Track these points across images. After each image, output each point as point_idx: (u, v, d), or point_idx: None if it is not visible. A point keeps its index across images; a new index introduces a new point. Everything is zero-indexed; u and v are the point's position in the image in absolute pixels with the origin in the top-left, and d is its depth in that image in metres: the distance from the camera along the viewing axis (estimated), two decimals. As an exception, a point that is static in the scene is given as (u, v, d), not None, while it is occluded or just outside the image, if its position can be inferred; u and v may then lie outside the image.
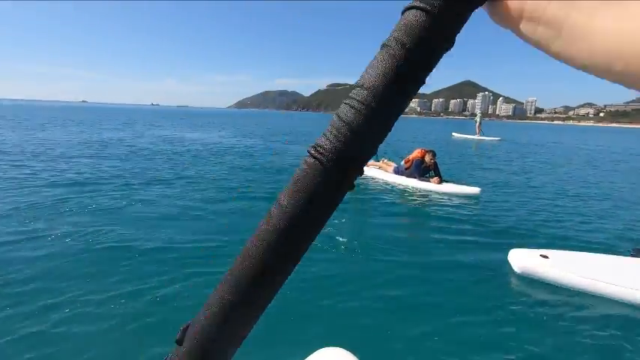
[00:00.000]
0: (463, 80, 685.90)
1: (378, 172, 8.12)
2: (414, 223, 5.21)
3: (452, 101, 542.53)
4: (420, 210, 5.72)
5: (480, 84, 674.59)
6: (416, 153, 7.23)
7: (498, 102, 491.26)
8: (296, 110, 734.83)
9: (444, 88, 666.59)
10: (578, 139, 31.24)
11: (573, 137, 35.98)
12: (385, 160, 8.42)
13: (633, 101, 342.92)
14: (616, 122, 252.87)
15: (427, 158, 7.05)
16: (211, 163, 9.04)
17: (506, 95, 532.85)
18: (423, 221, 5.20)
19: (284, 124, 41.00)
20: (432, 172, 7.06)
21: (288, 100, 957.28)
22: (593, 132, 65.19)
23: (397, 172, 7.58)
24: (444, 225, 4.78)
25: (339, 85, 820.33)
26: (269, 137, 19.02)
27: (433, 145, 16.41)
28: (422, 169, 7.08)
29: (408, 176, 7.23)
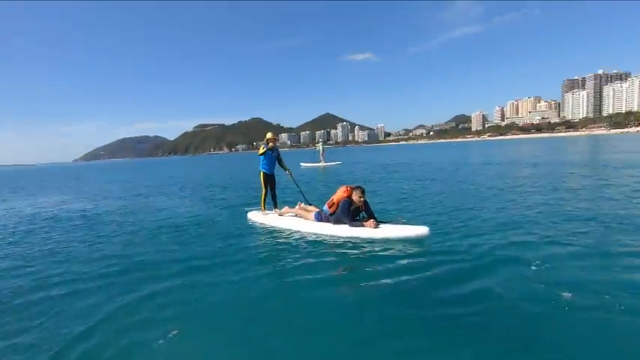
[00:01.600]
0: (323, 113, 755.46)
1: (294, 220, 6.62)
2: (352, 288, 3.94)
3: (317, 132, 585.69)
4: (359, 267, 4.56)
5: (338, 115, 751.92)
6: (340, 192, 5.87)
7: (355, 130, 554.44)
8: (161, 156, 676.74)
9: (309, 122, 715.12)
10: (395, 153, 46.60)
11: (396, 152, 48.41)
12: (302, 205, 7.06)
13: (450, 120, 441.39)
14: (442, 138, 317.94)
15: (355, 197, 5.72)
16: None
17: (360, 124, 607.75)
18: (364, 284, 3.96)
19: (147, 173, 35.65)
20: (363, 214, 5.88)
21: (151, 146, 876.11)
22: (424, 147, 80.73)
23: (320, 218, 6.22)
24: (392, 286, 3.77)
25: (206, 125, 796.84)
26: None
27: (283, 178, 15.71)
28: (352, 211, 5.76)
29: (335, 222, 5.87)
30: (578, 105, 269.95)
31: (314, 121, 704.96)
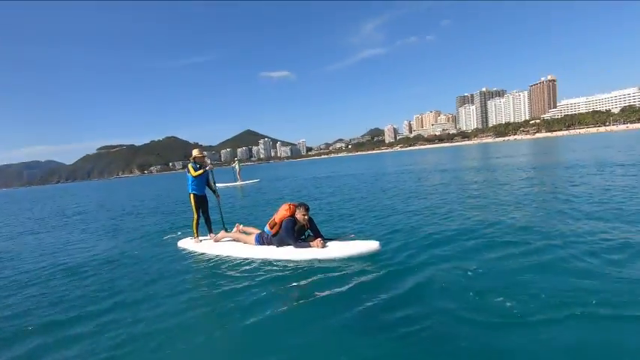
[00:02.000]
0: (244, 130, 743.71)
1: (233, 246, 5.85)
2: (301, 314, 3.54)
3: (239, 150, 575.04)
4: (307, 291, 4.05)
5: (259, 132, 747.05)
6: (282, 211, 5.20)
7: (277, 145, 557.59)
8: (57, 183, 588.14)
9: (229, 139, 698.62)
10: (318, 167, 47.75)
11: (319, 166, 49.62)
12: (241, 227, 6.33)
13: (366, 134, 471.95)
14: (360, 151, 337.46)
15: (299, 215, 5.12)
16: None
17: (282, 139, 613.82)
18: (315, 309, 3.59)
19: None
20: (308, 232, 5.29)
21: (43, 172, 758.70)
22: (345, 159, 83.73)
23: (261, 241, 5.55)
24: (344, 308, 3.47)
25: (112, 147, 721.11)
26: None
27: (186, 205, 14.20)
28: (296, 231, 5.18)
29: (278, 244, 5.27)
30: (469, 118, 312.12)
31: (234, 138, 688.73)
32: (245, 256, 5.42)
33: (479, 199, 9.21)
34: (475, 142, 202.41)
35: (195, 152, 6.56)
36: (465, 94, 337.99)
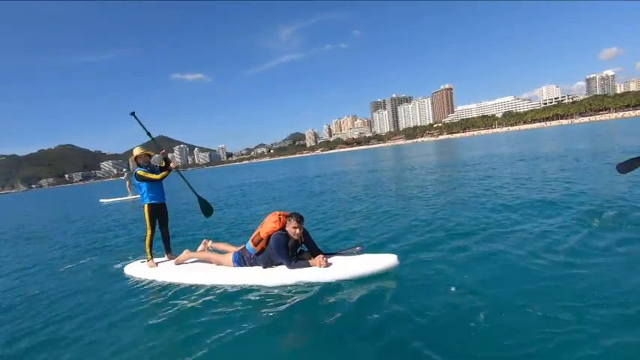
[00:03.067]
0: (157, 136, 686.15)
1: (202, 269, 4.59)
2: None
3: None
4: (312, 329, 3.15)
5: (174, 138, 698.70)
6: (270, 223, 4.05)
7: (195, 152, 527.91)
8: None
9: (139, 146, 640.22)
10: (240, 173, 45.78)
11: (241, 172, 49.07)
12: (210, 243, 5.06)
13: (287, 138, 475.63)
14: (282, 155, 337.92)
15: (290, 227, 3.97)
16: None
17: (200, 145, 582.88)
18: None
19: None
20: (303, 247, 4.19)
21: None
22: (268, 164, 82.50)
23: (242, 261, 4.35)
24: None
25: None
26: None
27: (77, 224, 12.18)
28: (290, 247, 4.04)
29: (265, 265, 4.17)
30: (383, 122, 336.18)
31: (145, 145, 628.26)
32: (220, 282, 4.17)
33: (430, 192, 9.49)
34: (389, 144, 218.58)
35: (136, 151, 5.14)
36: (378, 100, 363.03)
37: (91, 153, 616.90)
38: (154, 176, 5.00)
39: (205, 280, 4.30)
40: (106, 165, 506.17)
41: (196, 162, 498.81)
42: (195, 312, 3.62)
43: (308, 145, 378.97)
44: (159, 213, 5.26)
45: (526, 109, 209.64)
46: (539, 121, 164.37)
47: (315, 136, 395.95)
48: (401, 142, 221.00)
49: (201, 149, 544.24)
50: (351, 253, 4.14)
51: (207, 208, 5.78)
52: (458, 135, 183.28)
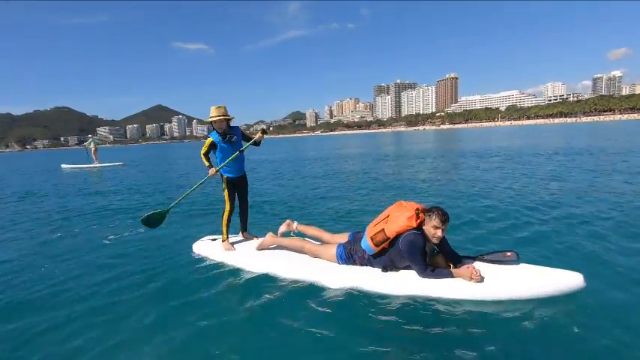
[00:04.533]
0: (155, 105, 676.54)
1: (294, 260, 3.63)
2: None
3: (148, 126, 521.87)
4: None
5: (172, 108, 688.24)
6: (402, 219, 3.03)
7: (193, 124, 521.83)
8: None
9: (137, 114, 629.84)
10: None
11: None
12: (295, 225, 3.99)
13: (287, 117, 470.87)
14: (281, 134, 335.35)
15: (430, 227, 2.97)
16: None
17: (199, 117, 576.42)
18: None
19: None
20: (436, 250, 3.11)
21: None
22: (268, 142, 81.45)
23: (348, 257, 3.38)
24: None
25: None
26: None
27: (39, 186, 12.52)
28: (427, 251, 3.05)
29: (384, 268, 3.19)
30: (385, 107, 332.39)
31: (143, 113, 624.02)
32: (321, 281, 3.26)
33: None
34: (389, 130, 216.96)
35: (213, 112, 4.06)
36: (382, 84, 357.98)
37: (87, 117, 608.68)
38: (206, 145, 4.09)
39: (301, 275, 3.40)
40: (102, 130, 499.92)
41: (194, 134, 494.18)
42: (290, 313, 2.83)
43: (308, 125, 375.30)
44: (237, 187, 4.37)
45: (530, 105, 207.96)
46: (543, 118, 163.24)
47: (316, 116, 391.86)
48: (402, 128, 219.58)
49: (200, 121, 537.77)
50: (502, 261, 3.05)
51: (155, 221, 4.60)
52: (460, 126, 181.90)
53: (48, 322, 2.90)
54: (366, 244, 3.24)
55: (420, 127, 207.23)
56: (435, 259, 3.10)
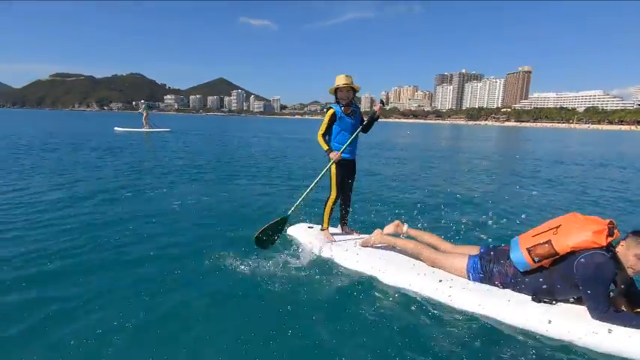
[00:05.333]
0: (217, 78, 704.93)
1: (410, 267, 2.95)
2: None
3: (209, 98, 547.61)
4: None
5: (233, 82, 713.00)
6: (586, 232, 2.15)
7: (251, 99, 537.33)
8: (2, 107, 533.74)
9: (201, 85, 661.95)
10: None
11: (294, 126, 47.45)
12: (406, 228, 3.35)
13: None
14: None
15: (631, 256, 2.08)
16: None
17: (256, 93, 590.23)
18: None
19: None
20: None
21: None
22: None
23: (484, 273, 2.62)
24: None
25: (68, 75, 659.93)
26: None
27: (90, 145, 13.53)
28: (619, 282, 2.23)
29: (535, 294, 2.39)
30: (446, 98, 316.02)
31: (206, 84, 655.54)
32: (436, 295, 2.60)
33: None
34: (448, 122, 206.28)
35: (339, 80, 3.49)
36: (445, 74, 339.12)
37: (157, 85, 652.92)
38: (322, 128, 3.55)
39: (415, 286, 2.72)
40: (168, 98, 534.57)
41: (251, 109, 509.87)
42: (405, 330, 2.29)
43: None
44: (346, 171, 3.69)
45: (615, 108, 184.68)
46: (629, 123, 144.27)
47: (372, 100, 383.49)
48: (461, 121, 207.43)
49: (257, 97, 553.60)
50: None
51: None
52: (528, 124, 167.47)
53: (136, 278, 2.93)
54: (519, 256, 2.40)
55: (482, 122, 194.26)
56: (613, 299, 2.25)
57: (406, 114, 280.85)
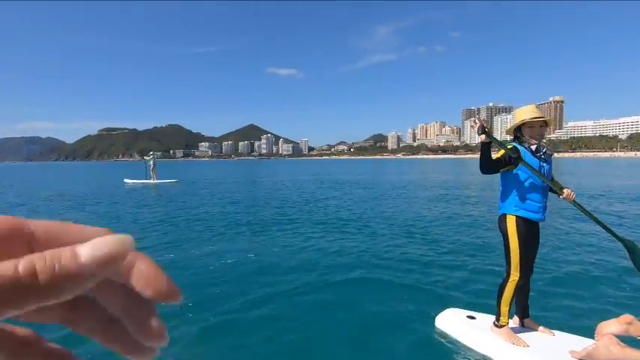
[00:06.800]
0: (248, 124, 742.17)
1: None
2: None
3: (240, 143, 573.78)
4: None
5: (262, 127, 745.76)
6: None
7: (280, 142, 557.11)
8: (56, 160, 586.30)
9: (232, 132, 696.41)
10: (324, 168, 44.68)
11: (325, 167, 46.80)
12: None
13: (367, 139, 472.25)
14: (362, 155, 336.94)
15: None
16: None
17: (285, 137, 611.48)
18: None
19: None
20: None
21: (43, 149, 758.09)
22: (348, 162, 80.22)
23: None
24: None
25: (114, 129, 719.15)
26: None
27: (101, 199, 12.76)
28: None
29: None
30: (474, 132, 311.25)
31: (237, 131, 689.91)
32: None
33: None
34: (478, 155, 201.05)
35: (526, 112, 2.49)
36: (472, 108, 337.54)
37: (192, 134, 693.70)
38: (498, 154, 2.55)
39: None
40: (202, 146, 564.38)
41: (280, 152, 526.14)
42: None
43: (390, 147, 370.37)
44: (533, 237, 2.47)
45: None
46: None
47: (399, 139, 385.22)
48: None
49: (286, 140, 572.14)
50: None
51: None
52: (566, 155, 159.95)
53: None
54: None
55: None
56: None
57: (434, 150, 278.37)
